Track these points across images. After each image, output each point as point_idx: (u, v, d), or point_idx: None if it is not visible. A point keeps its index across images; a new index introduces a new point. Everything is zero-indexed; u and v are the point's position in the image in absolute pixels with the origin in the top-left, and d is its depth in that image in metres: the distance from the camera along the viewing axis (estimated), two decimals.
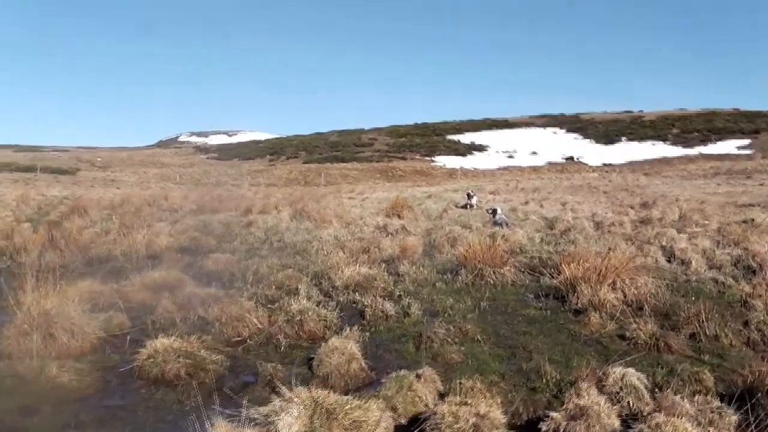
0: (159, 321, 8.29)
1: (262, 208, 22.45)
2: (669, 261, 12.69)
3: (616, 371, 6.12)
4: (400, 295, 9.64)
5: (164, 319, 8.33)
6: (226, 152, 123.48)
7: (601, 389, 5.93)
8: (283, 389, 5.09)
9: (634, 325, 7.83)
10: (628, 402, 5.76)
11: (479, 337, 7.73)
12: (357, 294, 9.51)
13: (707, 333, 7.82)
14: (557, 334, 8.06)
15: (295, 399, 4.93)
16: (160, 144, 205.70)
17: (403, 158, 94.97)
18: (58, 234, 14.54)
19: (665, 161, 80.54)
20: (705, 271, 11.67)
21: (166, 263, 11.82)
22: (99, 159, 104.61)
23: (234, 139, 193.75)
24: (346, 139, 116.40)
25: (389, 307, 8.71)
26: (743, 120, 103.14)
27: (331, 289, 10.01)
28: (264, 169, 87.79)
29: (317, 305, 8.57)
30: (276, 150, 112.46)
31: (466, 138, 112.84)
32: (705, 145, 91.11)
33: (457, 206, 25.75)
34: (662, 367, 6.81)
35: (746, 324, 8.27)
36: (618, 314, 8.47)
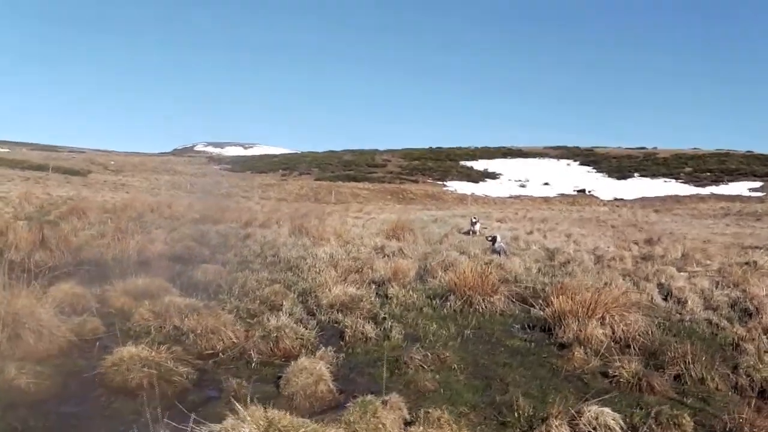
0: (133, 328, 8.14)
1: (263, 222, 22.40)
2: (665, 299, 12.45)
3: (592, 410, 5.93)
4: (384, 318, 9.45)
5: (139, 327, 8.18)
6: (239, 164, 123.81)
7: (574, 428, 5.74)
8: (238, 407, 4.91)
9: (618, 363, 7.61)
10: None
11: (457, 366, 7.54)
12: (341, 314, 9.32)
13: (693, 375, 7.60)
14: (538, 368, 7.85)
15: (248, 418, 4.76)
16: (176, 152, 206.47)
17: (415, 181, 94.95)
18: (53, 234, 14.40)
19: (676, 199, 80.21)
20: (700, 311, 11.43)
21: (154, 270, 11.67)
22: (112, 162, 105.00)
23: (249, 152, 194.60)
24: (360, 159, 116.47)
25: (370, 329, 8.51)
26: (756, 162, 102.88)
27: (315, 308, 9.82)
28: (275, 184, 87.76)
29: (297, 323, 8.40)
30: (289, 165, 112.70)
31: (479, 165, 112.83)
32: (717, 185, 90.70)
33: (460, 232, 25.51)
34: (641, 408, 6.59)
35: (735, 368, 8.04)
36: (603, 351, 8.24)
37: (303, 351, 7.58)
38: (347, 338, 8.35)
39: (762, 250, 21.69)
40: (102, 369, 6.45)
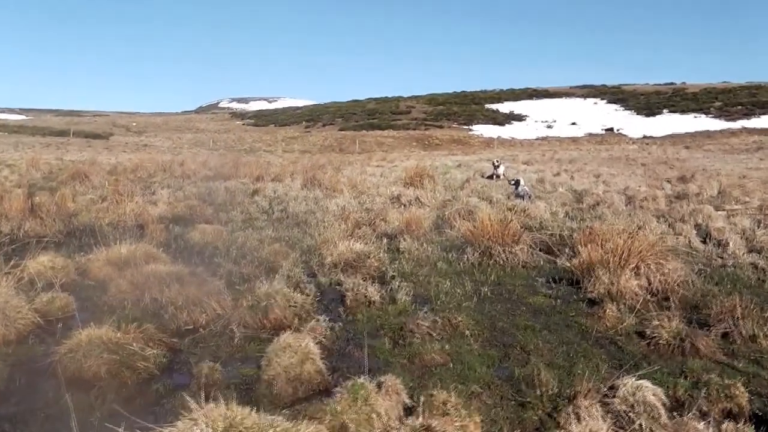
0: (108, 303, 7.27)
1: (276, 176, 21.47)
2: (704, 242, 11.43)
3: (628, 384, 4.97)
4: (393, 276, 8.55)
5: (115, 301, 7.29)
6: (262, 118, 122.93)
7: (606, 407, 4.80)
8: (192, 404, 3.99)
9: (656, 322, 6.62)
10: (640, 425, 4.61)
11: (470, 332, 6.57)
12: (344, 274, 8.39)
13: (743, 332, 6.62)
14: (564, 330, 6.86)
15: (203, 419, 3.86)
16: (200, 110, 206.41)
17: (440, 126, 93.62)
18: (48, 201, 13.59)
19: (707, 134, 78.42)
20: (744, 254, 10.42)
21: (149, 234, 10.85)
22: (134, 124, 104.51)
23: (273, 106, 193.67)
24: (384, 107, 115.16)
25: (374, 291, 7.57)
26: None
27: (318, 268, 8.94)
28: (299, 136, 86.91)
29: (293, 287, 7.50)
30: (313, 117, 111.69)
31: (504, 107, 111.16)
32: (748, 118, 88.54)
33: (483, 176, 24.47)
34: (686, 377, 5.64)
35: None
36: (639, 306, 7.27)
37: (296, 321, 6.68)
38: (348, 303, 7.43)
39: None
40: (57, 357, 5.55)
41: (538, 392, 5.20)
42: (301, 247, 10.21)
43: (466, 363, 5.84)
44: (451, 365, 5.80)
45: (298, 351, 5.41)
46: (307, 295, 7.37)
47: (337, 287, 8.09)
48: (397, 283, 8.04)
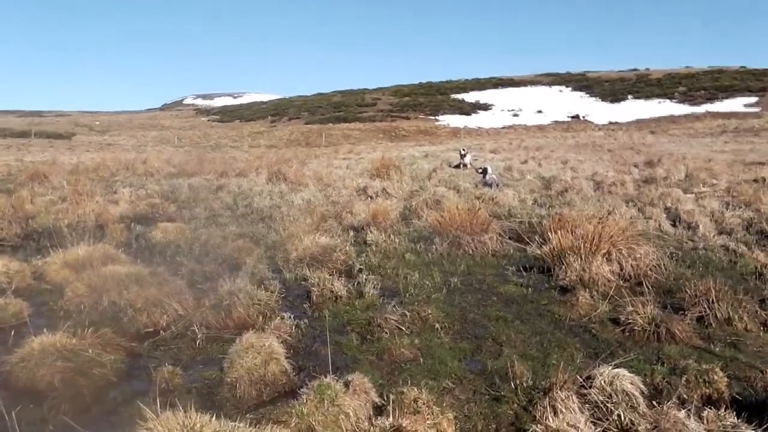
0: (65, 308, 6.97)
1: (241, 171, 21.14)
2: (674, 225, 11.35)
3: (605, 373, 4.82)
4: (360, 270, 8.31)
5: (72, 306, 6.99)
6: (228, 114, 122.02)
7: (583, 397, 4.62)
8: (148, 413, 3.76)
9: (630, 308, 6.46)
10: (619, 416, 4.43)
11: (441, 325, 6.37)
12: (310, 269, 8.14)
13: (718, 315, 6.52)
14: (537, 320, 6.68)
15: (159, 428, 3.63)
16: (164, 107, 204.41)
17: (407, 118, 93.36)
18: (5, 203, 13.19)
19: (672, 119, 78.79)
20: (714, 236, 10.38)
21: (109, 235, 10.54)
22: (97, 123, 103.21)
23: (239, 101, 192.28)
24: (349, 99, 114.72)
25: (340, 286, 7.35)
26: (750, 78, 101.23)
27: (283, 263, 8.71)
28: (265, 131, 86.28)
29: (257, 285, 7.26)
30: (278, 111, 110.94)
31: (470, 97, 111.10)
32: (712, 103, 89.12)
33: (450, 166, 24.24)
34: (663, 363, 5.51)
35: (763, 302, 7.07)
36: (612, 292, 7.11)
37: (260, 319, 6.44)
38: (314, 299, 7.22)
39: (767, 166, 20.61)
40: (8, 366, 5.27)
41: (513, 385, 5.02)
42: (266, 243, 9.98)
43: (437, 357, 5.64)
44: (422, 360, 5.59)
45: (262, 351, 5.19)
46: (272, 292, 7.14)
47: (302, 283, 7.87)
48: (364, 276, 7.81)
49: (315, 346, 5.96)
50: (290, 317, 6.41)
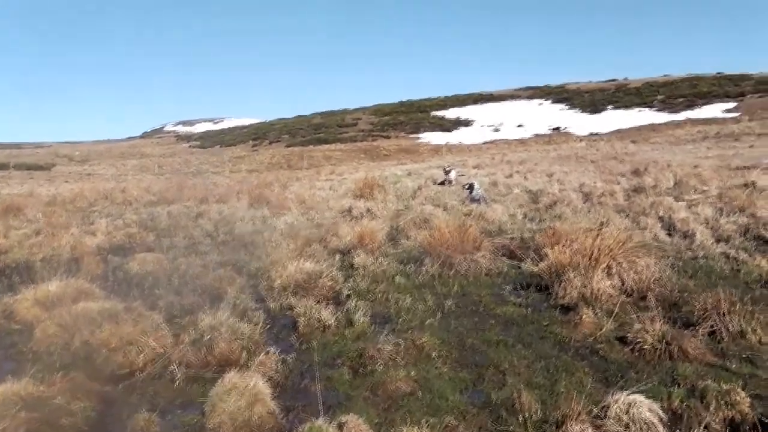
0: (34, 350, 6.50)
1: (221, 197, 20.64)
2: (669, 234, 10.98)
3: (620, 400, 4.44)
4: (348, 296, 7.90)
5: (42, 347, 6.52)
6: (208, 140, 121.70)
7: (599, 429, 4.24)
8: None
9: (638, 325, 6.07)
10: None
11: (438, 353, 5.96)
12: (295, 297, 7.72)
13: (730, 329, 6.12)
14: (540, 343, 6.26)
15: None
16: (145, 135, 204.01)
17: (388, 137, 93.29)
18: None
19: (652, 128, 78.92)
20: (712, 244, 10.02)
21: (84, 269, 10.07)
22: (77, 153, 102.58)
23: (219, 126, 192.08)
24: (330, 121, 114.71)
25: (328, 315, 6.92)
26: (728, 83, 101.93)
27: (266, 292, 8.28)
28: (246, 155, 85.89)
29: (240, 317, 6.86)
30: (259, 135, 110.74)
31: (451, 113, 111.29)
32: (691, 109, 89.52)
33: (435, 183, 23.81)
34: (680, 385, 5.11)
35: None
36: (616, 308, 6.72)
37: (244, 355, 6.00)
38: (301, 329, 6.78)
39: (756, 170, 20.33)
40: None
41: (521, 418, 4.62)
42: (248, 271, 9.53)
43: (435, 390, 5.22)
44: (420, 394, 5.17)
45: (246, 392, 4.76)
46: (256, 324, 6.72)
47: (288, 312, 7.43)
48: (353, 303, 7.40)
49: (304, 383, 5.52)
50: (276, 351, 5.97)
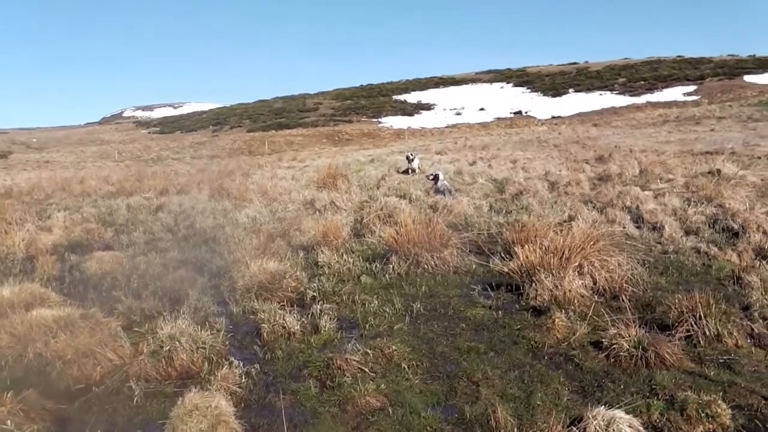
0: None
1: (182, 187, 20.24)
2: (638, 227, 10.89)
3: (599, 417, 4.25)
4: (313, 297, 7.66)
5: None
6: (168, 125, 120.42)
7: None
8: None
9: (614, 330, 5.89)
10: None
11: (408, 363, 5.71)
12: (259, 299, 7.47)
13: (707, 333, 5.96)
14: (512, 349, 6.05)
15: None
16: (104, 120, 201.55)
17: (350, 121, 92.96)
18: None
19: (613, 111, 79.39)
20: (681, 237, 9.95)
21: (39, 269, 9.74)
22: (35, 140, 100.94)
23: (179, 111, 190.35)
24: (291, 105, 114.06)
25: (293, 321, 6.66)
26: (688, 66, 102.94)
27: (229, 293, 8.02)
28: (207, 141, 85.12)
29: (201, 324, 6.52)
30: (219, 120, 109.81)
31: (412, 97, 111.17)
32: (652, 93, 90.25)
33: (398, 171, 23.52)
34: (658, 396, 4.96)
35: (747, 310, 6.64)
36: (589, 311, 6.55)
37: (206, 366, 5.75)
38: (265, 336, 6.52)
39: (721, 156, 20.34)
40: None
41: None
42: (210, 270, 9.23)
43: (407, 405, 4.99)
44: (390, 410, 4.93)
45: (208, 414, 4.50)
46: (218, 331, 6.45)
47: (251, 317, 7.17)
48: (318, 307, 7.13)
49: (269, 398, 5.25)
50: (239, 363, 5.70)
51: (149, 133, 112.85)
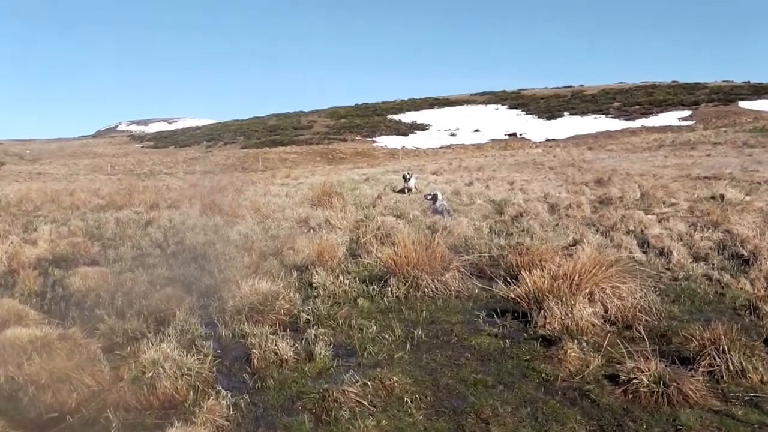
0: None
1: (173, 202, 19.80)
2: (644, 252, 10.47)
3: None
4: (307, 321, 7.22)
5: None
6: (162, 140, 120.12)
7: None
8: None
9: (632, 363, 5.46)
10: None
11: (411, 396, 5.24)
12: (250, 322, 7.03)
13: (730, 367, 5.53)
14: (522, 382, 5.59)
15: None
16: (98, 134, 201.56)
17: (344, 140, 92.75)
18: None
19: (608, 134, 79.45)
20: (691, 263, 9.50)
21: (20, 283, 9.30)
22: (28, 152, 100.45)
23: (173, 127, 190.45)
24: (285, 123, 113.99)
25: (286, 347, 6.18)
26: (683, 92, 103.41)
27: (218, 315, 7.56)
28: (201, 156, 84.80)
29: (187, 348, 6.09)
30: (213, 136, 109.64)
31: (407, 117, 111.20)
32: (647, 117, 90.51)
33: (394, 190, 23.14)
34: None
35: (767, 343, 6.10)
36: (602, 341, 6.13)
37: (191, 395, 5.31)
38: (256, 363, 6.06)
39: (719, 180, 20.08)
40: None
41: None
42: (199, 289, 8.78)
43: None
44: None
45: None
46: (205, 356, 6.00)
47: (241, 341, 6.71)
48: (313, 332, 6.68)
49: None
50: (227, 393, 5.25)
51: (143, 147, 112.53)
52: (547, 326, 6.71)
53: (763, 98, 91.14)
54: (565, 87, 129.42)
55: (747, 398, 5.17)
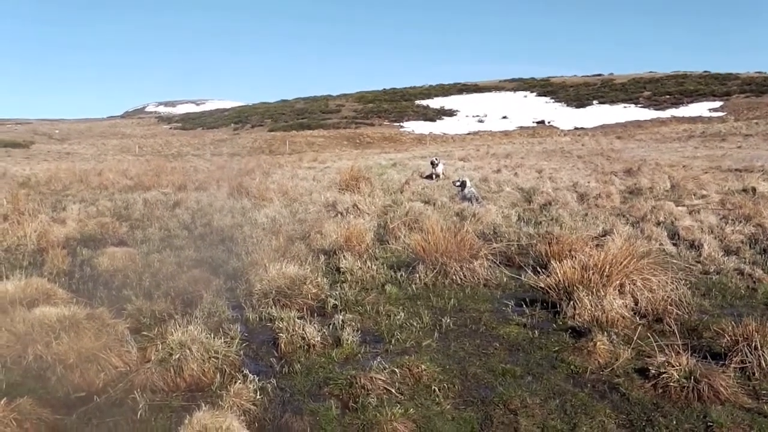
0: None
1: (200, 184, 19.84)
2: (674, 244, 10.34)
3: None
4: (335, 306, 7.20)
5: None
6: (190, 122, 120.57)
7: None
8: None
9: (662, 357, 5.38)
10: None
11: (438, 385, 5.20)
12: (277, 306, 7.02)
13: (762, 364, 5.43)
14: (551, 374, 5.54)
15: None
16: (126, 115, 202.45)
17: (371, 124, 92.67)
18: None
19: (637, 124, 78.79)
20: (722, 257, 9.36)
21: (49, 262, 9.33)
22: (57, 131, 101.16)
23: (201, 108, 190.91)
24: (313, 106, 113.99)
25: (313, 331, 6.16)
26: (714, 82, 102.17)
27: (245, 298, 7.56)
28: (228, 138, 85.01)
29: (214, 331, 6.05)
30: (241, 118, 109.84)
31: (435, 103, 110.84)
32: (677, 107, 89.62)
33: (421, 176, 23.06)
34: None
35: None
36: (634, 334, 6.06)
37: (218, 378, 5.29)
38: (283, 347, 6.05)
39: (750, 173, 19.80)
40: None
41: None
42: (226, 271, 8.80)
43: None
44: None
45: None
46: (232, 339, 5.99)
47: (268, 324, 6.71)
48: (340, 317, 6.67)
49: (285, 418, 4.75)
50: (254, 377, 5.22)
51: (171, 128, 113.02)
52: (576, 317, 6.65)
53: None
54: (594, 75, 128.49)
55: None
